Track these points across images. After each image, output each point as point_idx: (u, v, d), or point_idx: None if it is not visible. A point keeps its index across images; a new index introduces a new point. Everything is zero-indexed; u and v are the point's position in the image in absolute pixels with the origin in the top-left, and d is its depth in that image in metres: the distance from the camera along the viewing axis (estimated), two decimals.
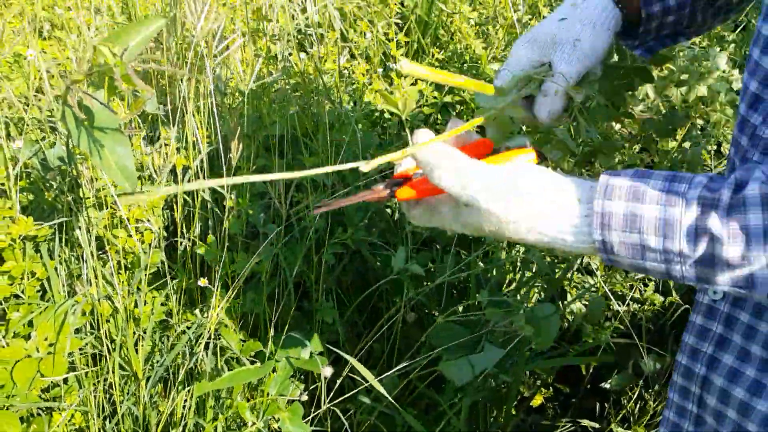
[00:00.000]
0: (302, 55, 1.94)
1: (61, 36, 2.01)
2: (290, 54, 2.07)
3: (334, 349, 1.29)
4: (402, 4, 2.47)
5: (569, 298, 1.77)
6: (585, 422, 1.68)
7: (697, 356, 0.72)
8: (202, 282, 1.25)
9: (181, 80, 1.29)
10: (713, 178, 0.54)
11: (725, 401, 0.69)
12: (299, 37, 2.29)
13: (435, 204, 0.64)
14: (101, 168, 1.00)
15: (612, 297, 1.78)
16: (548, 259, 1.75)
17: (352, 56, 2.15)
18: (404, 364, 1.29)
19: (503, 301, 1.39)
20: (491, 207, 0.58)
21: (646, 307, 1.83)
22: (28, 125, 1.46)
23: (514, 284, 1.71)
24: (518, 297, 1.63)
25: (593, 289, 1.81)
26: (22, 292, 1.23)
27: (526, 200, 0.57)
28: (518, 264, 1.74)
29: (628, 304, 1.82)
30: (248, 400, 1.32)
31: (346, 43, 2.22)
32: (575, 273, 1.81)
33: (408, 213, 0.67)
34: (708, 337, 0.71)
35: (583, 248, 0.57)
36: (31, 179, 1.41)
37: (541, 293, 1.71)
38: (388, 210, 1.72)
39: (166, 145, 1.34)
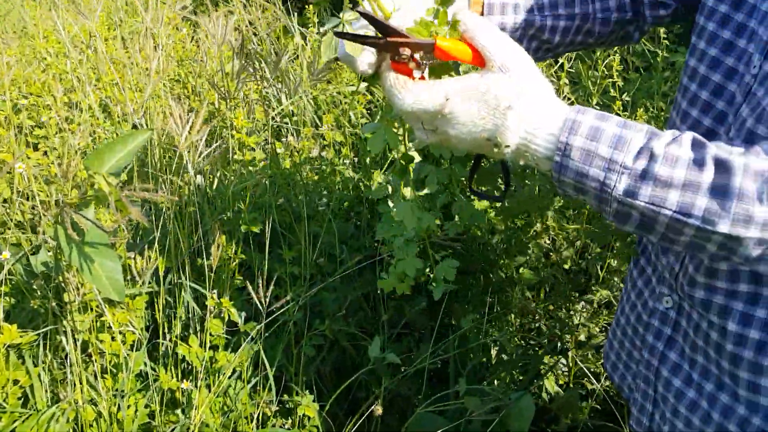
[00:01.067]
0: (279, 149, 2.02)
1: (41, 133, 2.07)
2: (267, 142, 2.15)
3: None
4: (371, 92, 2.60)
5: (544, 380, 1.82)
6: None
7: (654, 352, 0.91)
8: (186, 385, 1.27)
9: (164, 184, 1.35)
10: None
11: (668, 388, 0.88)
12: (275, 126, 2.38)
13: (442, 82, 0.67)
14: (92, 282, 1.04)
15: (588, 374, 1.83)
16: (521, 342, 1.80)
17: (326, 147, 2.24)
18: None
19: (480, 390, 1.44)
20: (522, 74, 0.66)
21: None
22: (10, 229, 1.49)
23: (490, 368, 1.75)
24: (495, 383, 1.67)
25: (565, 368, 1.87)
26: (5, 400, 1.23)
27: (542, 88, 0.67)
28: (494, 348, 1.78)
29: (602, 382, 1.87)
30: None
31: (318, 129, 2.32)
32: (548, 356, 1.86)
33: (406, 90, 0.67)
34: (661, 337, 0.89)
35: (544, 151, 0.66)
36: (13, 283, 1.44)
37: (518, 376, 1.75)
38: (365, 300, 1.77)
39: (148, 247, 1.38)
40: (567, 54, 2.55)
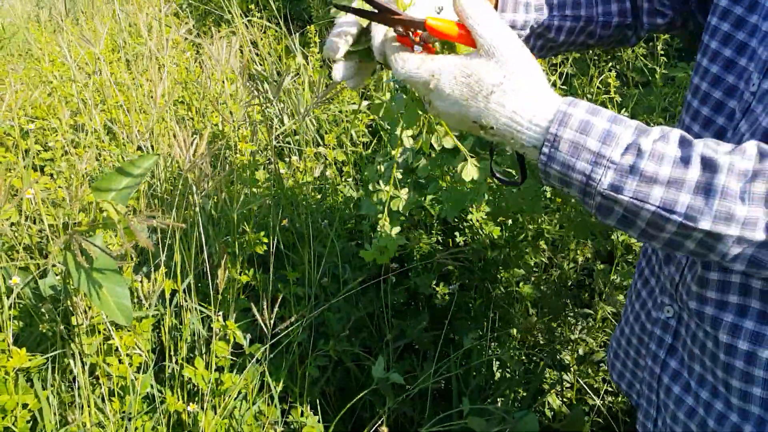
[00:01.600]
0: (282, 170, 2.04)
1: (47, 156, 2.09)
2: (270, 162, 2.18)
3: None
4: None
5: (547, 397, 1.82)
6: None
7: (656, 360, 0.93)
8: (192, 407, 1.28)
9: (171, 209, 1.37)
10: None
11: (668, 395, 0.90)
12: (278, 146, 2.41)
13: (434, 57, 0.69)
14: (100, 307, 1.06)
15: (588, 390, 1.84)
16: (523, 359, 1.81)
17: (328, 166, 2.27)
18: None
19: (484, 409, 1.45)
20: (511, 60, 0.66)
21: (619, 399, 1.90)
22: (18, 252, 1.51)
23: (493, 385, 1.76)
24: (499, 401, 1.67)
25: (568, 384, 1.88)
26: (14, 423, 1.24)
27: (532, 76, 0.67)
28: (495, 364, 1.79)
29: (603, 397, 1.88)
30: None
31: (320, 148, 2.34)
32: (551, 370, 1.87)
33: (401, 59, 0.70)
34: (663, 345, 0.91)
35: (531, 140, 0.67)
36: (21, 306, 1.45)
37: (522, 393, 1.76)
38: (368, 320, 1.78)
39: (155, 270, 1.40)
40: (563, 68, 2.58)
